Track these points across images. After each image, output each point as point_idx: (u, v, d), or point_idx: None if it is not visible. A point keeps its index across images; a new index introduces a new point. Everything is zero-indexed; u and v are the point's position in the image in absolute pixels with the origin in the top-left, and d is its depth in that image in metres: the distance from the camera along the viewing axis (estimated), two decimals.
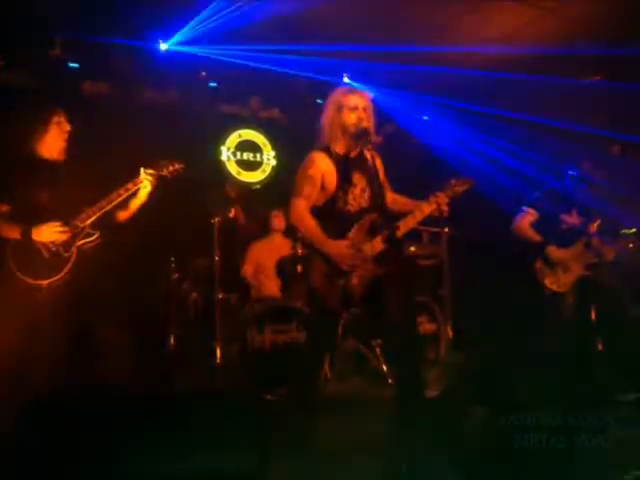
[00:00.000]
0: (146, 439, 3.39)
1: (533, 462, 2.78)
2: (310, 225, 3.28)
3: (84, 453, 3.16)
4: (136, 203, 3.84)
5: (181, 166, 3.94)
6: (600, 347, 5.16)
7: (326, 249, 3.21)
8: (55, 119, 3.70)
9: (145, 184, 3.79)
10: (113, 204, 3.70)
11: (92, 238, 3.67)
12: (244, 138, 7.45)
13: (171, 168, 3.91)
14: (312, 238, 3.29)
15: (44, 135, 3.68)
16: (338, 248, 3.21)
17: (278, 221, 6.12)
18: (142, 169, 3.79)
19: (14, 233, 3.51)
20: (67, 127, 3.74)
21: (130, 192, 3.75)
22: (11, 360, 3.40)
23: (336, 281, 3.21)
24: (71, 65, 6.06)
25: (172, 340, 5.65)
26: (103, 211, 3.67)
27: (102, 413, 3.56)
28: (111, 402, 3.78)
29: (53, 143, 3.71)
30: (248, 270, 6.05)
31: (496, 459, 2.84)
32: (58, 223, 3.57)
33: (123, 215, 3.86)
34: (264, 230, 6.24)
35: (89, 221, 3.65)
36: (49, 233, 3.54)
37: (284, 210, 6.04)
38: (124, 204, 3.80)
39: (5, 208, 3.57)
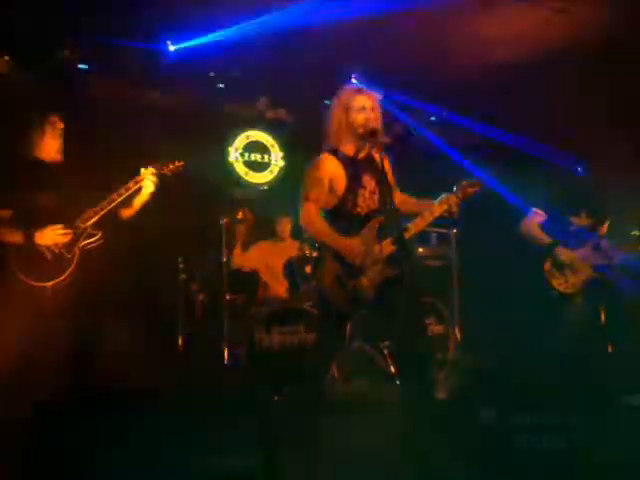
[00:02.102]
0: (149, 440, 3.40)
1: (533, 462, 2.78)
2: (320, 227, 3.27)
3: (86, 453, 3.17)
4: (139, 201, 3.86)
5: (181, 164, 3.97)
6: (609, 349, 5.14)
7: (338, 246, 3.21)
8: (50, 119, 3.71)
9: (146, 183, 3.80)
10: (114, 204, 3.71)
11: (94, 238, 3.68)
12: (252, 139, 7.46)
13: (171, 166, 3.93)
14: (323, 238, 3.28)
15: (41, 137, 3.69)
16: (350, 245, 3.20)
17: (284, 227, 6.12)
18: (142, 168, 3.81)
19: (17, 237, 3.51)
20: (61, 125, 3.75)
21: (131, 191, 3.77)
22: (16, 362, 3.41)
23: (346, 282, 3.20)
24: (80, 66, 6.07)
25: (180, 341, 5.66)
26: (105, 211, 3.69)
27: (106, 414, 3.56)
28: (116, 403, 3.78)
29: (50, 144, 3.72)
30: (249, 260, 6.03)
31: (496, 459, 2.84)
32: (60, 225, 3.57)
33: (127, 213, 3.87)
34: (272, 232, 6.25)
35: (91, 221, 3.66)
36: (52, 236, 3.55)
37: (291, 215, 6.06)
38: (127, 203, 3.82)
39: (6, 213, 3.57)
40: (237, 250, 5.89)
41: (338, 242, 3.23)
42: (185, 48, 6.01)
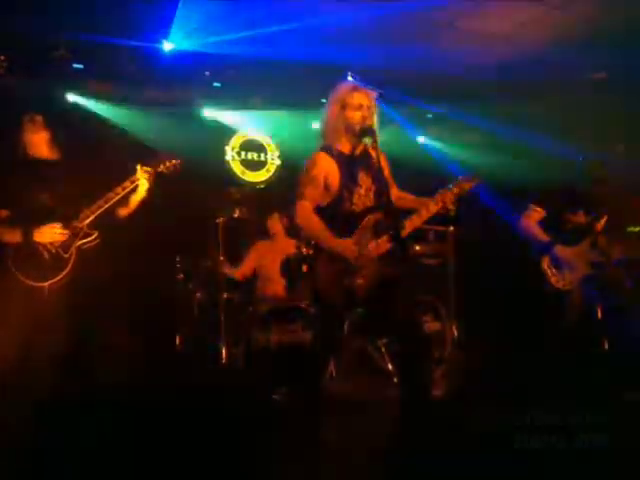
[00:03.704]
0: (149, 440, 3.39)
1: (533, 462, 2.77)
2: (316, 225, 3.26)
3: (85, 453, 3.16)
4: (136, 200, 3.85)
5: (178, 162, 3.95)
6: (605, 346, 5.14)
7: (333, 246, 3.20)
8: (26, 116, 3.70)
9: (143, 181, 3.79)
10: (111, 203, 3.70)
11: (91, 238, 3.68)
12: (248, 138, 7.45)
13: (168, 164, 3.92)
14: (318, 237, 3.27)
15: (23, 135, 3.68)
16: (345, 245, 3.19)
17: (274, 224, 6.11)
18: (139, 166, 3.79)
19: (15, 236, 3.51)
20: (39, 118, 3.72)
21: (128, 190, 3.76)
22: (13, 361, 3.40)
23: (342, 281, 3.20)
24: (76, 66, 6.06)
25: (177, 340, 5.65)
26: (101, 210, 3.68)
27: (103, 414, 3.56)
28: (113, 403, 3.78)
29: (35, 140, 3.70)
30: (246, 270, 6.04)
31: (496, 459, 2.83)
32: (59, 224, 3.57)
33: (124, 212, 3.86)
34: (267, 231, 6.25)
35: (88, 221, 3.66)
36: (50, 235, 3.55)
37: (280, 212, 6.06)
38: (124, 201, 3.80)
39: (4, 213, 3.57)
40: (227, 267, 5.88)
41: (331, 242, 3.22)
42: (181, 47, 5.99)
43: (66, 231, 3.58)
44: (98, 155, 4.33)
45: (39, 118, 3.71)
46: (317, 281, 3.31)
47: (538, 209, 4.73)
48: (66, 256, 3.58)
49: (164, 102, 6.58)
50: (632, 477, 2.79)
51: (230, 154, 7.30)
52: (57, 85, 5.81)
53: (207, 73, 6.64)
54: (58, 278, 3.53)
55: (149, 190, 3.83)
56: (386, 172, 3.38)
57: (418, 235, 6.20)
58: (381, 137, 3.32)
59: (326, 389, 3.95)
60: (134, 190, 3.80)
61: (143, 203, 3.87)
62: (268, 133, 7.53)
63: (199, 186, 6.24)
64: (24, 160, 3.68)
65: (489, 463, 2.85)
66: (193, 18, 5.62)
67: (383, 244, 3.26)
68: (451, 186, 3.40)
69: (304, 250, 5.27)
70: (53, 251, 3.56)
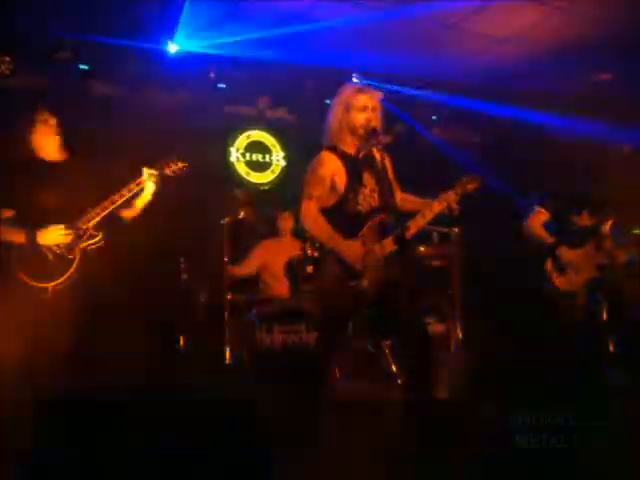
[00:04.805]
0: (150, 440, 3.40)
1: (533, 462, 2.77)
2: (322, 226, 3.26)
3: (86, 453, 3.17)
4: (141, 202, 3.83)
5: (184, 165, 3.90)
6: (611, 348, 5.13)
7: (339, 249, 3.20)
8: (40, 117, 3.69)
9: (148, 183, 3.77)
10: (116, 205, 3.69)
11: (96, 239, 3.67)
12: (253, 139, 7.46)
13: (174, 167, 3.87)
14: (325, 239, 3.27)
15: (34, 136, 3.68)
16: (351, 248, 3.19)
17: (285, 223, 6.11)
18: (144, 168, 3.78)
19: (19, 237, 3.51)
20: (53, 121, 3.71)
21: (133, 192, 3.74)
22: (16, 363, 3.41)
23: (347, 282, 3.19)
24: (81, 67, 6.08)
25: (181, 341, 5.66)
26: (106, 212, 3.67)
27: (106, 415, 3.57)
28: (116, 404, 3.78)
29: (46, 142, 3.70)
30: (249, 267, 6.01)
31: (496, 459, 2.83)
32: (62, 226, 3.57)
33: (128, 214, 3.85)
34: (273, 231, 6.25)
35: (92, 222, 3.65)
36: (54, 236, 3.55)
37: (291, 211, 6.05)
38: (129, 203, 3.79)
39: (8, 213, 3.57)
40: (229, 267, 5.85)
41: (339, 245, 3.22)
42: (186, 48, 6.01)
43: (71, 232, 3.59)
44: (103, 157, 4.31)
45: (52, 121, 3.71)
46: (322, 282, 3.31)
47: (543, 211, 4.73)
48: (70, 257, 3.58)
49: (168, 103, 6.58)
50: (631, 477, 2.79)
51: (235, 155, 7.31)
52: (63, 86, 5.80)
53: (212, 74, 6.64)
54: (62, 279, 3.54)
55: (154, 192, 3.81)
56: (390, 174, 3.38)
57: (422, 236, 6.20)
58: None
59: (329, 390, 3.95)
60: (139, 192, 3.78)
61: (148, 205, 3.86)
62: (273, 134, 7.53)
63: (204, 187, 6.24)
64: (29, 161, 3.68)
65: (489, 463, 2.85)
66: (198, 19, 5.63)
67: (388, 245, 3.26)
68: (455, 186, 3.40)
69: (309, 251, 5.27)
70: (57, 252, 3.56)
